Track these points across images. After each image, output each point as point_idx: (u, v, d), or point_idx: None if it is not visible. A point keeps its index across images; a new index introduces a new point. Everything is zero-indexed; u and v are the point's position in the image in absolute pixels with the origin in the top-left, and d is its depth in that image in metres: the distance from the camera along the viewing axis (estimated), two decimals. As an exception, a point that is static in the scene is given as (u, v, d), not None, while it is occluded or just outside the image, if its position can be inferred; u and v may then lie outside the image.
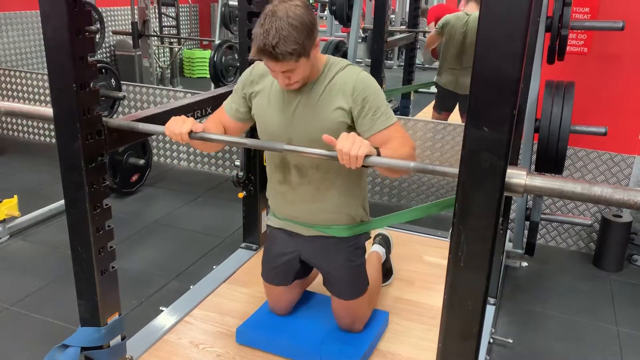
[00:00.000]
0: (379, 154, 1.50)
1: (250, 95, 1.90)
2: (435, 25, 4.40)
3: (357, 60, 5.56)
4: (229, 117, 1.94)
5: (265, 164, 2.07)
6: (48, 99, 4.65)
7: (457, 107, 4.37)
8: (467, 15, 4.07)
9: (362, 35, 7.21)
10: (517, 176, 1.24)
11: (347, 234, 1.98)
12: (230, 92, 2.52)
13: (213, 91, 2.54)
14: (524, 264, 3.01)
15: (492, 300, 2.48)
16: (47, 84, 4.59)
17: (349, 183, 1.92)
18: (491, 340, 2.33)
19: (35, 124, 4.86)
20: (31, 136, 4.91)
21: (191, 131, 1.64)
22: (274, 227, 2.10)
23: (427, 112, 5.01)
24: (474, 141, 1.18)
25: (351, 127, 1.78)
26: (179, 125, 1.62)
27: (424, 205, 2.03)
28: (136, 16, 5.76)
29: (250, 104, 1.91)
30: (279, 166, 1.96)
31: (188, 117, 1.69)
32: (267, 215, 2.87)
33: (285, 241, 2.06)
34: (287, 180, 1.95)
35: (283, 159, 1.93)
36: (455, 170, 1.25)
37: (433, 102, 4.63)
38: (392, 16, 8.18)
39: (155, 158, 4.38)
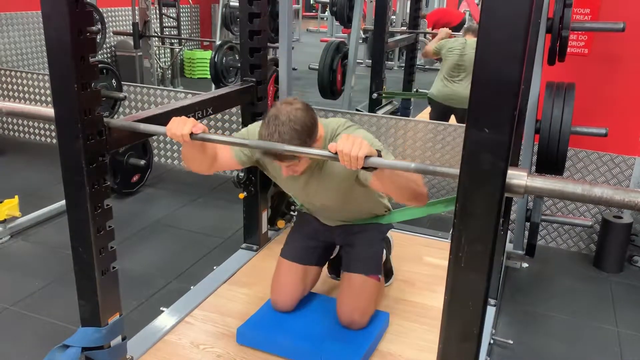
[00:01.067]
0: (379, 156, 1.51)
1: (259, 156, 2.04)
2: (433, 29, 4.53)
3: (357, 61, 5.57)
4: (231, 153, 2.01)
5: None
6: (49, 99, 4.65)
7: (452, 118, 4.41)
8: (465, 40, 4.28)
9: (363, 36, 7.23)
10: (518, 177, 1.24)
11: (373, 222, 2.27)
12: (230, 92, 2.54)
13: (214, 92, 2.54)
14: (525, 265, 3.01)
15: (492, 301, 2.48)
16: (48, 84, 4.60)
17: (368, 197, 2.15)
18: (491, 341, 2.32)
19: (36, 124, 4.86)
20: (32, 136, 4.91)
21: (192, 132, 1.64)
22: (304, 211, 2.32)
23: (427, 113, 5.02)
24: (474, 142, 1.18)
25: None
26: (180, 127, 1.63)
27: (439, 199, 2.19)
28: (137, 17, 5.77)
29: (258, 162, 2.07)
30: (305, 203, 2.26)
31: (189, 117, 1.69)
32: (267, 216, 2.88)
33: (316, 222, 2.29)
34: (313, 211, 2.28)
35: (309, 201, 2.18)
36: (456, 171, 1.25)
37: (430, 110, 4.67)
38: (393, 17, 8.18)
39: (155, 158, 4.38)
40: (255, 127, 2.03)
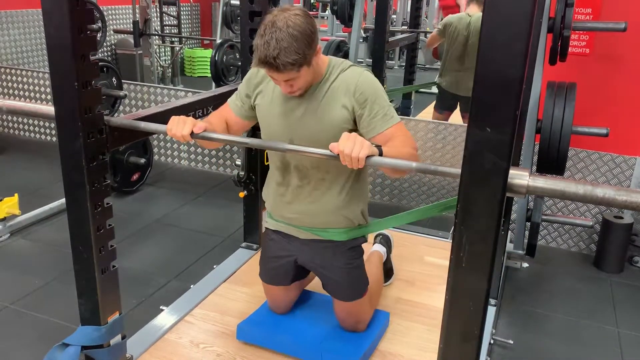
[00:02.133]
0: (381, 153, 1.50)
1: (255, 94, 1.90)
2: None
3: (358, 60, 5.56)
4: (234, 113, 1.94)
5: (267, 163, 2.07)
6: (49, 97, 4.65)
7: (458, 107, 4.38)
8: (470, 16, 4.07)
9: (364, 35, 7.21)
10: (520, 177, 1.23)
11: (344, 238, 1.96)
12: (231, 91, 2.53)
13: (214, 90, 2.54)
14: (525, 265, 3.01)
15: (492, 301, 2.48)
16: (48, 82, 4.59)
17: (349, 184, 1.91)
18: (492, 341, 2.32)
19: (36, 122, 4.86)
20: (32, 134, 4.91)
21: (193, 132, 1.63)
22: (271, 229, 2.09)
23: (428, 113, 5.01)
24: (476, 142, 1.17)
25: (354, 130, 1.77)
26: (180, 127, 1.62)
27: (423, 207, 2.01)
28: (137, 15, 5.76)
29: (254, 103, 1.91)
30: (279, 167, 1.95)
31: (189, 116, 1.69)
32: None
33: (281, 244, 2.05)
34: (286, 182, 1.94)
35: (283, 160, 1.92)
36: (458, 171, 1.25)
37: (434, 102, 4.63)
38: (394, 16, 8.17)
39: (156, 157, 4.38)
40: (249, 74, 1.92)
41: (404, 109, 5.38)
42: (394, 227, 3.02)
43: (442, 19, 4.47)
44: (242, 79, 2.63)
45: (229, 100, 1.98)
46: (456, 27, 4.13)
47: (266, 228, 2.13)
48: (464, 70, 4.16)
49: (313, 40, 1.63)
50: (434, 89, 4.73)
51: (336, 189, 1.90)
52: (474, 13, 4.05)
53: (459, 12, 4.43)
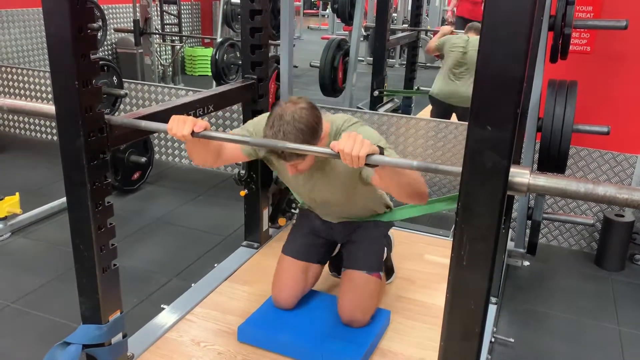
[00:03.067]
0: (382, 153, 1.50)
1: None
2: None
3: (359, 58, 5.56)
4: (240, 148, 2.01)
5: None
6: (50, 96, 4.65)
7: (453, 117, 4.40)
8: (468, 37, 4.27)
9: (364, 33, 7.21)
10: (521, 175, 1.23)
11: (374, 219, 2.27)
12: (231, 90, 2.53)
13: (215, 89, 2.54)
14: (526, 263, 3.00)
15: (493, 299, 2.48)
16: (49, 82, 4.59)
17: (370, 195, 2.17)
18: (493, 340, 2.32)
19: (37, 121, 4.86)
20: (33, 133, 4.91)
21: (193, 131, 1.63)
22: (306, 207, 2.32)
23: (428, 111, 5.01)
24: (477, 140, 1.17)
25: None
26: (181, 127, 1.62)
27: (441, 197, 2.19)
28: (138, 14, 5.76)
29: (262, 154, 2.06)
30: (306, 200, 2.25)
31: (189, 115, 1.69)
32: (268, 214, 2.88)
33: (318, 219, 2.29)
34: (315, 207, 2.27)
35: (310, 196, 2.17)
36: (458, 169, 1.24)
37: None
38: (394, 15, 8.16)
39: (156, 156, 4.38)
40: (261, 119, 2.03)
41: (405, 108, 5.38)
42: (394, 226, 3.02)
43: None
44: (242, 78, 2.65)
45: (233, 131, 2.08)
46: (454, 44, 4.28)
47: (300, 208, 2.41)
48: (460, 82, 4.25)
49: (317, 131, 1.80)
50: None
51: (361, 202, 2.19)
52: (472, 37, 4.25)
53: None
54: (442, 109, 4.37)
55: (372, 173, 1.81)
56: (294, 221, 2.48)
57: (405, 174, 1.68)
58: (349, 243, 2.27)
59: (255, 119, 2.13)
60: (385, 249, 2.30)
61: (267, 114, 2.02)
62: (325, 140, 1.87)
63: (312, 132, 1.76)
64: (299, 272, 2.21)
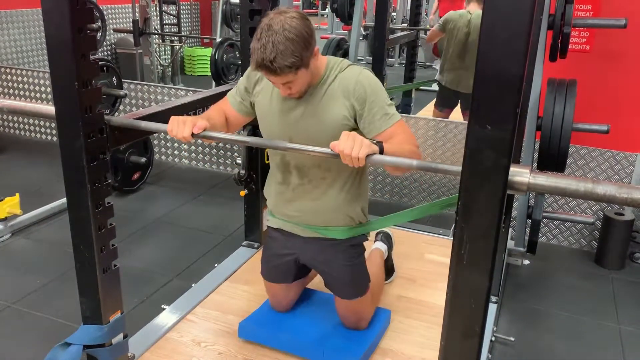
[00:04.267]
0: (381, 151, 1.50)
1: (254, 91, 1.91)
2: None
3: (358, 58, 5.55)
4: (233, 108, 1.95)
5: (267, 162, 2.07)
6: (50, 97, 4.65)
7: (458, 104, 4.37)
8: (470, 13, 4.07)
9: (364, 33, 7.20)
10: (521, 174, 1.23)
11: (345, 236, 1.96)
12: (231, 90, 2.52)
13: (214, 89, 2.54)
14: (526, 262, 3.00)
15: (494, 298, 2.48)
16: (49, 82, 4.59)
17: (349, 182, 1.91)
18: (493, 339, 2.32)
19: (37, 122, 4.86)
20: (33, 134, 4.91)
21: (193, 132, 1.63)
22: (272, 227, 2.09)
23: (428, 110, 5.01)
24: (477, 139, 1.17)
25: (354, 128, 1.77)
26: (181, 128, 1.62)
27: (424, 205, 2.02)
28: (137, 14, 5.75)
29: (254, 100, 1.92)
30: (279, 166, 1.95)
31: (189, 115, 1.69)
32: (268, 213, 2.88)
33: (283, 242, 2.05)
34: (287, 181, 1.94)
35: (283, 159, 1.92)
36: (458, 169, 1.24)
37: (434, 99, 4.63)
38: (394, 14, 8.16)
39: (156, 156, 4.38)
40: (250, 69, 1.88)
41: (405, 107, 5.37)
42: (395, 225, 3.02)
43: (437, 11, 4.48)
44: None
45: (228, 94, 1.98)
46: (456, 24, 4.12)
47: (268, 226, 2.12)
48: (464, 67, 4.15)
49: (310, 42, 1.63)
50: (434, 87, 4.72)
51: (337, 188, 1.90)
52: (474, 10, 4.05)
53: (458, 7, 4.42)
54: (448, 95, 4.33)
55: (378, 133, 1.71)
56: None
57: (406, 150, 1.61)
58: (326, 271, 2.03)
59: (245, 72, 1.97)
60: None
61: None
62: (321, 70, 1.76)
63: (304, 42, 1.60)
64: (282, 291, 2.14)
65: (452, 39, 4.19)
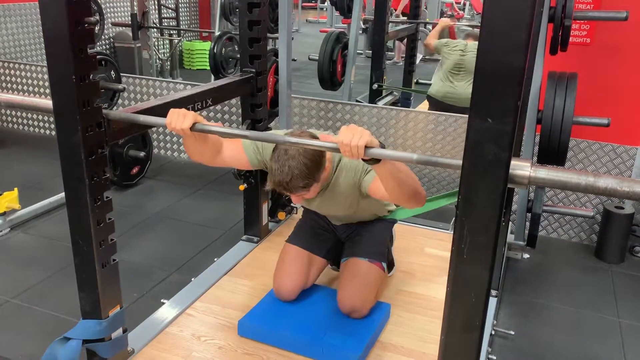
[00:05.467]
0: (382, 146, 1.49)
1: None
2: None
3: (357, 51, 5.54)
4: (244, 153, 2.04)
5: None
6: (48, 91, 4.63)
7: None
8: (466, 43, 4.32)
9: (363, 26, 7.18)
10: (522, 168, 1.23)
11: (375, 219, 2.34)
12: (230, 84, 2.52)
13: (213, 83, 2.53)
14: (526, 255, 3.01)
15: (493, 292, 2.48)
16: (46, 76, 4.57)
17: (373, 204, 2.19)
18: (493, 332, 2.32)
19: (35, 116, 4.85)
20: (31, 129, 4.90)
21: (193, 124, 1.62)
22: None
23: (427, 105, 5.00)
24: (477, 132, 1.16)
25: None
26: (180, 121, 1.61)
27: (439, 195, 2.23)
28: (135, 8, 5.73)
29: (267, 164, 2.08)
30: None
31: (188, 109, 1.68)
32: (267, 208, 2.88)
33: (323, 218, 2.34)
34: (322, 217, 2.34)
35: (313, 210, 2.25)
36: (459, 162, 1.24)
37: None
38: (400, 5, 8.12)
39: (155, 150, 4.37)
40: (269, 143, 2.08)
41: (404, 101, 5.37)
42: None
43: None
44: (240, 71, 2.63)
45: (244, 141, 2.04)
46: (455, 45, 4.32)
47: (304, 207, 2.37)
48: (458, 84, 4.29)
49: (321, 163, 1.85)
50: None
51: (365, 213, 2.27)
52: (471, 42, 4.32)
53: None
54: (439, 109, 4.37)
55: (367, 186, 1.94)
56: (296, 215, 2.50)
57: (403, 172, 1.68)
58: (352, 236, 2.32)
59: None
60: (388, 243, 2.30)
61: (276, 131, 2.18)
62: (328, 169, 1.95)
63: (316, 165, 1.82)
64: (302, 262, 2.22)
65: (446, 60, 4.36)
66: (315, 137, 1.82)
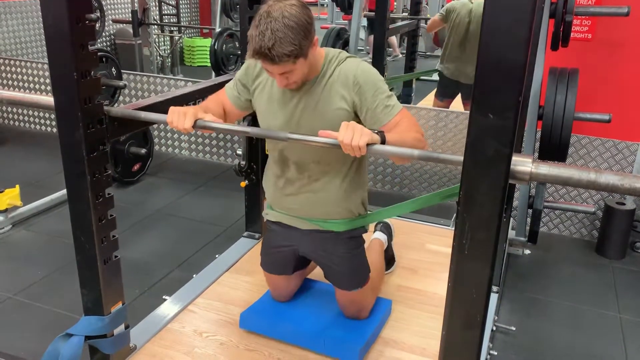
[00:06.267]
0: (383, 140, 1.49)
1: (253, 87, 1.88)
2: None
3: (358, 48, 5.53)
4: (230, 102, 1.93)
5: (267, 153, 2.06)
6: (49, 88, 4.63)
7: (459, 95, 4.36)
8: (471, 3, 4.08)
9: (364, 23, 7.15)
10: (523, 164, 1.22)
11: (345, 228, 1.95)
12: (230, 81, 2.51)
13: (214, 79, 2.53)
14: (527, 251, 3.01)
15: (495, 288, 2.48)
16: (47, 73, 4.57)
17: (349, 175, 1.90)
18: (494, 328, 2.33)
19: (36, 113, 4.85)
20: (32, 126, 4.90)
21: (195, 122, 1.62)
22: (271, 220, 2.07)
23: (429, 100, 4.99)
24: (479, 128, 1.16)
25: (356, 121, 1.72)
26: (182, 120, 1.61)
27: (424, 195, 1.98)
28: (136, 4, 5.72)
29: (252, 95, 1.90)
30: (278, 161, 1.93)
31: (189, 105, 1.68)
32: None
33: (282, 235, 2.04)
34: (285, 175, 1.93)
35: (282, 154, 1.90)
36: (460, 158, 1.24)
37: (435, 90, 4.61)
38: (394, 3, 8.11)
39: (156, 147, 4.37)
40: (249, 62, 1.87)
41: (405, 97, 5.35)
42: (395, 216, 3.02)
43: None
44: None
45: (226, 86, 1.95)
46: (458, 13, 4.12)
47: (267, 220, 2.11)
48: (465, 57, 4.14)
49: (309, 31, 1.60)
50: (435, 77, 4.70)
51: (337, 181, 1.88)
52: (476, 0, 4.05)
53: None
54: (449, 85, 4.32)
55: (389, 120, 1.69)
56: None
57: (409, 138, 1.60)
58: (325, 263, 2.02)
59: (243, 66, 1.93)
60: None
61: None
62: (320, 62, 1.74)
63: (303, 30, 1.56)
64: (282, 281, 2.14)
65: (453, 29, 4.18)
66: (305, 7, 1.61)
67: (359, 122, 1.73)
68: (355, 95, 1.72)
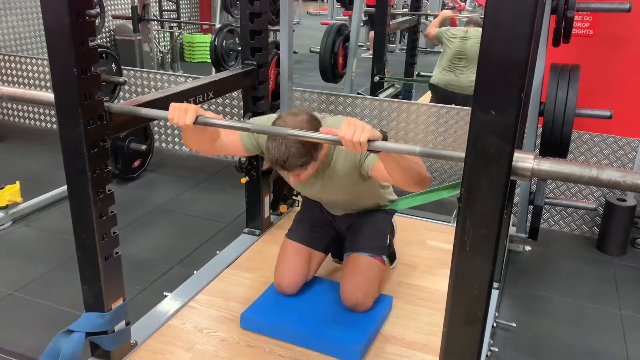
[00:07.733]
0: (385, 137, 1.49)
1: None
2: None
3: (359, 44, 5.52)
4: (239, 139, 2.02)
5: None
6: (49, 84, 4.63)
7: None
8: (467, 29, 4.29)
9: (364, 18, 7.14)
10: (525, 160, 1.22)
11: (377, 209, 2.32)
12: (231, 77, 2.51)
13: (214, 76, 2.52)
14: (528, 248, 3.01)
15: (495, 284, 2.48)
16: (47, 69, 4.56)
17: (374, 190, 2.21)
18: (495, 325, 2.33)
19: (36, 109, 4.84)
20: (33, 122, 4.89)
21: (196, 118, 1.62)
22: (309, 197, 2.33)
23: (429, 97, 4.99)
24: (480, 124, 1.16)
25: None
26: (183, 117, 1.61)
27: (439, 186, 2.25)
28: (136, 0, 5.71)
29: (262, 149, 2.05)
30: (314, 198, 2.30)
31: (189, 102, 1.68)
32: (269, 201, 2.88)
33: (322, 210, 2.34)
34: (322, 203, 2.32)
35: (317, 197, 2.25)
36: (461, 155, 1.23)
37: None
38: (394, -1, 8.09)
39: (157, 143, 4.37)
40: (265, 121, 2.05)
41: (405, 93, 5.35)
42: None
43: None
44: (241, 64, 2.63)
45: (240, 132, 2.03)
46: (453, 33, 4.30)
47: (304, 197, 2.39)
48: (459, 71, 4.22)
49: (319, 142, 1.79)
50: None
51: (365, 200, 2.25)
52: (473, 28, 4.29)
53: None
54: (442, 97, 4.36)
55: (371, 169, 1.89)
56: (297, 208, 2.49)
57: (407, 158, 1.68)
58: (351, 228, 2.29)
59: (260, 119, 2.13)
60: (389, 235, 2.30)
61: (271, 115, 2.11)
62: (326, 148, 1.91)
63: (314, 143, 1.78)
64: (302, 257, 2.21)
65: (447, 48, 4.33)
66: (315, 119, 1.84)
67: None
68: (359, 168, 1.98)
